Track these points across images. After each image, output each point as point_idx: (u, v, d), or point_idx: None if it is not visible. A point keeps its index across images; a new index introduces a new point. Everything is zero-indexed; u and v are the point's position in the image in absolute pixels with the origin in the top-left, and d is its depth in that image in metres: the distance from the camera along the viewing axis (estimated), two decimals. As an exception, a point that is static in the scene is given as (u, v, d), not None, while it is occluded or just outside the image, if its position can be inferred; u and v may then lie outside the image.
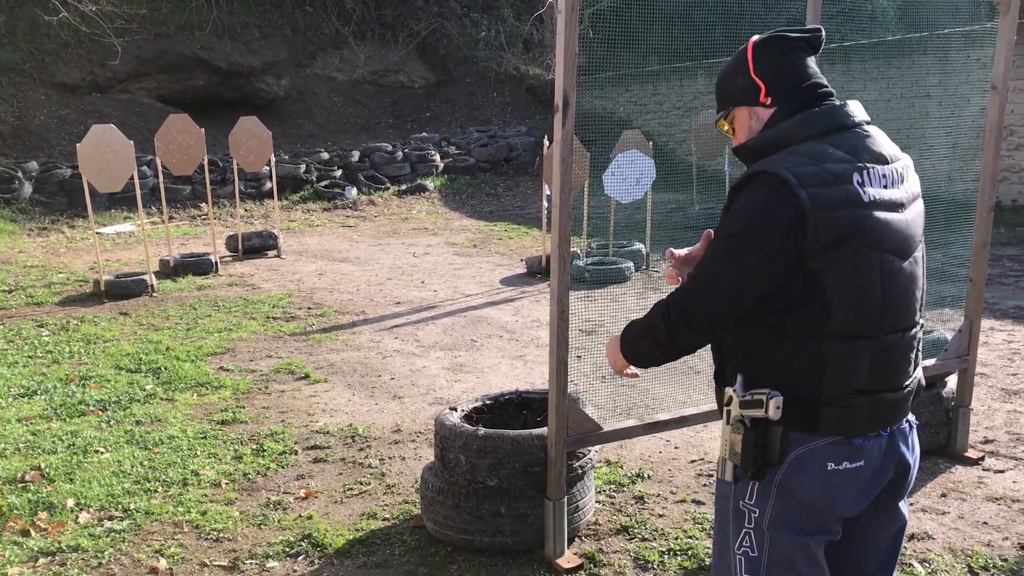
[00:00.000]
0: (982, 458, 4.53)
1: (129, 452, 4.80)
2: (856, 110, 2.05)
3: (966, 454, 4.54)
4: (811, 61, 2.11)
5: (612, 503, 4.14)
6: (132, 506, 4.13)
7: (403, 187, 17.02)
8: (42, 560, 3.65)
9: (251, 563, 3.63)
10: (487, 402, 4.06)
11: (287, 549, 3.73)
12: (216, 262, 10.45)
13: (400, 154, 17.81)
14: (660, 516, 4.00)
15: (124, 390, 5.87)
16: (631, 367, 2.31)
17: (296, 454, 4.81)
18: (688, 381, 5.82)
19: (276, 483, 4.44)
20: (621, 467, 4.56)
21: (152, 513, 4.07)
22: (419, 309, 8.40)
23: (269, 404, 5.65)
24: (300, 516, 4.04)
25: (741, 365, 2.04)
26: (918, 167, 2.16)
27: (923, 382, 2.17)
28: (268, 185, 15.37)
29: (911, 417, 2.11)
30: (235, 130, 11.11)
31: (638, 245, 10.34)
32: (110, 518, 4.03)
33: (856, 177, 1.93)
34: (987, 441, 4.78)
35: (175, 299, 8.93)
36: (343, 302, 8.73)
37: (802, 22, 4.06)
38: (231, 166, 13.73)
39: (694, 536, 3.78)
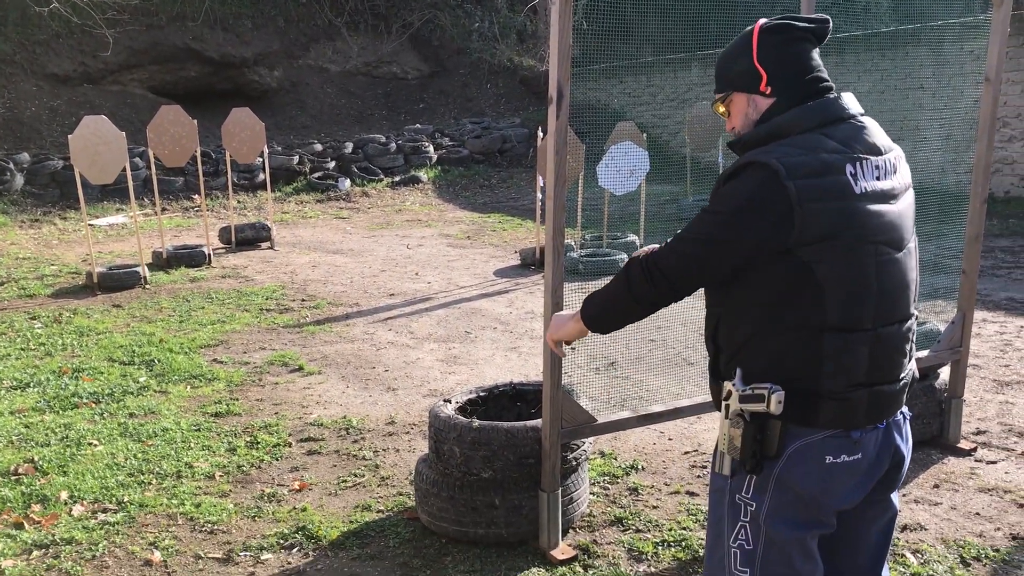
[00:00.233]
0: (974, 449, 4.54)
1: (123, 444, 4.79)
2: (850, 102, 2.04)
3: (958, 445, 4.56)
4: (815, 53, 2.09)
5: (606, 495, 4.15)
6: (126, 498, 4.13)
7: (397, 179, 16.99)
8: (36, 553, 3.65)
9: (245, 555, 3.63)
10: (481, 394, 4.06)
11: (281, 541, 3.74)
12: (209, 254, 10.42)
13: (394, 145, 17.76)
14: (654, 507, 4.01)
15: (117, 382, 5.86)
16: (564, 345, 2.41)
17: (290, 446, 4.81)
18: (682, 373, 5.83)
19: (270, 475, 4.44)
20: (615, 459, 4.57)
21: (146, 505, 4.07)
22: (413, 301, 8.39)
23: (263, 396, 5.65)
24: (294, 508, 4.04)
25: (738, 358, 2.04)
26: (911, 159, 2.16)
27: (917, 374, 2.18)
28: (261, 177, 15.31)
29: (905, 408, 2.12)
30: (228, 121, 11.07)
31: (632, 237, 10.35)
32: (104, 510, 4.03)
33: (849, 168, 1.94)
34: (979, 432, 4.80)
35: (168, 291, 8.91)
36: (337, 294, 8.72)
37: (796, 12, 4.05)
38: (224, 158, 13.68)
39: (688, 527, 3.79)
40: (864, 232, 1.93)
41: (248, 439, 4.89)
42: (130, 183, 9.66)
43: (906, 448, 2.11)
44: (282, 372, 6.16)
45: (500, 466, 3.49)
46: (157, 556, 3.61)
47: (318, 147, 17.42)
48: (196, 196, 14.85)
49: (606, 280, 2.39)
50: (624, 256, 9.44)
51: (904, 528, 3.73)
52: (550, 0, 3.15)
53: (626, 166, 9.20)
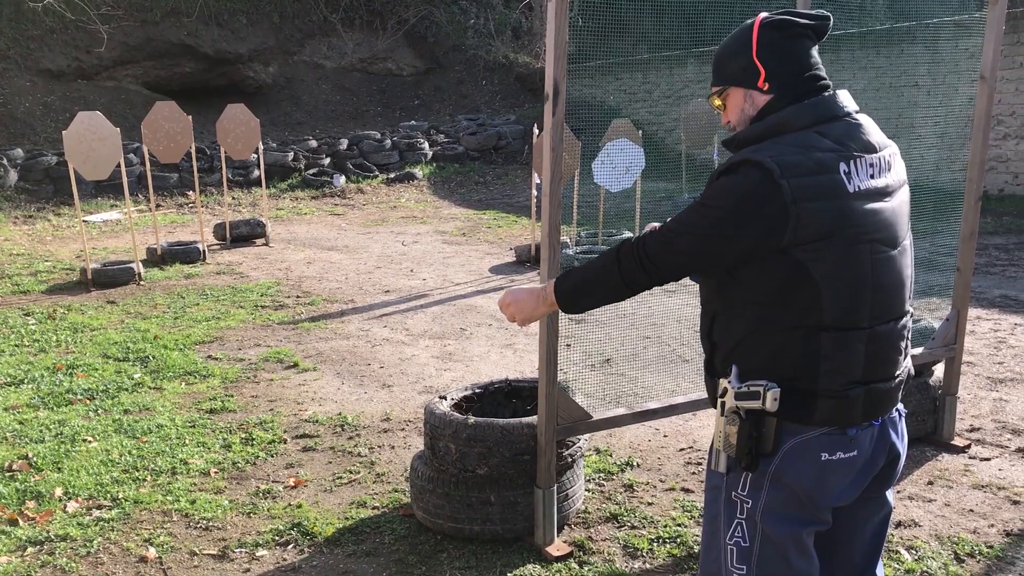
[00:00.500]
0: (968, 446, 4.56)
1: (117, 441, 4.78)
2: (846, 100, 2.04)
3: (953, 442, 4.58)
4: (814, 50, 2.07)
5: (601, 491, 4.15)
6: (121, 495, 4.12)
7: (392, 175, 16.97)
8: (30, 549, 3.64)
9: (240, 551, 3.62)
10: (477, 391, 4.06)
11: (277, 538, 3.73)
12: (204, 250, 10.40)
13: (389, 142, 17.75)
14: (649, 504, 4.01)
15: (112, 379, 5.85)
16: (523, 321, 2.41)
17: (285, 443, 4.81)
18: (677, 370, 5.83)
19: (265, 472, 4.43)
20: (610, 455, 4.58)
21: (141, 502, 4.06)
22: (408, 298, 8.39)
23: (258, 393, 5.64)
24: (289, 505, 4.04)
25: (734, 356, 2.04)
26: (906, 157, 2.16)
27: (912, 371, 2.18)
28: (256, 173, 15.29)
29: (900, 406, 2.12)
30: (222, 118, 11.04)
31: (627, 234, 10.34)
32: (99, 507, 4.02)
33: (843, 166, 1.93)
34: (973, 429, 4.82)
35: (163, 287, 8.89)
36: (332, 290, 8.71)
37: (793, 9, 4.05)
38: (218, 154, 13.64)
39: (683, 524, 3.80)
40: (859, 230, 1.92)
41: (243, 436, 4.89)
42: (124, 179, 9.64)
43: (901, 445, 2.12)
44: (277, 369, 6.15)
45: (496, 463, 3.49)
46: (152, 553, 3.61)
47: (313, 143, 17.39)
48: (191, 192, 14.82)
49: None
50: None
51: (898, 525, 3.75)
52: (546, -3, 3.15)
53: (622, 163, 9.20)
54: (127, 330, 7.15)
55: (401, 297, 8.41)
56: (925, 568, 3.41)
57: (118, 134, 9.13)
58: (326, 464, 4.53)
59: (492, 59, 22.73)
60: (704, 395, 3.73)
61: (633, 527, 3.79)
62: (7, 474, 4.36)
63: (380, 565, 3.49)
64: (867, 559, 2.23)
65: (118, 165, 9.20)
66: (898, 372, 2.06)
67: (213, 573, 3.48)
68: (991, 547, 3.56)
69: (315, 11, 21.98)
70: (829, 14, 2.07)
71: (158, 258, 10.10)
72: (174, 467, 4.45)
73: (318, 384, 5.81)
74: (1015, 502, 3.95)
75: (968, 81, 11.64)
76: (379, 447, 4.75)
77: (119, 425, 5.02)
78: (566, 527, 3.78)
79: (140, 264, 9.33)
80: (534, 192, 9.69)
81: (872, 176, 1.97)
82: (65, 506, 4.01)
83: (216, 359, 6.37)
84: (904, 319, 2.06)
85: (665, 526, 3.78)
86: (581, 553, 3.56)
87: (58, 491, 4.15)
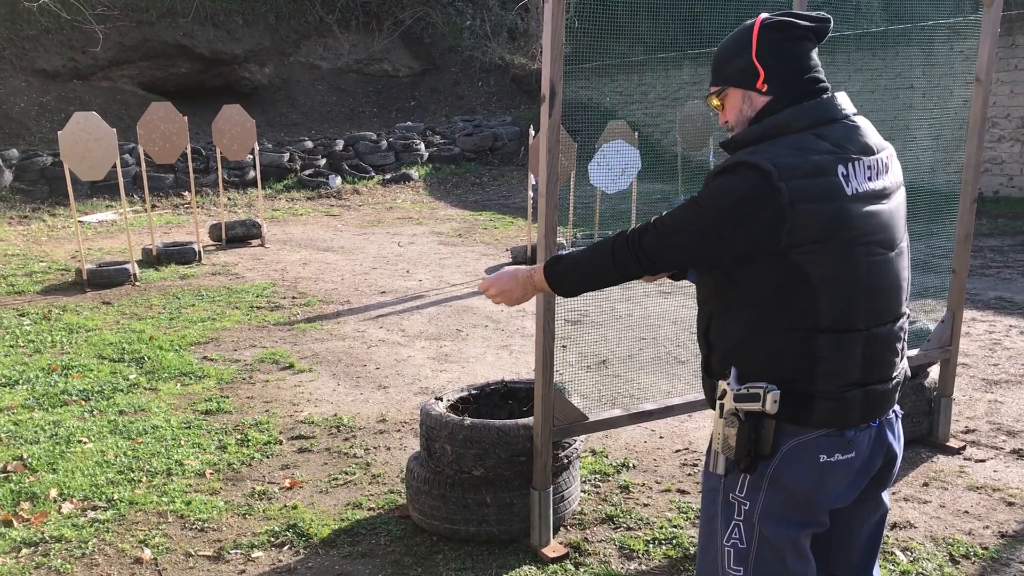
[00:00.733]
0: (963, 448, 4.57)
1: (112, 442, 4.77)
2: (844, 102, 2.04)
3: (948, 444, 4.58)
4: (814, 52, 2.07)
5: (597, 493, 4.16)
6: (116, 496, 4.11)
7: (388, 176, 16.97)
8: (25, 551, 3.63)
9: (236, 553, 3.62)
10: (473, 392, 4.06)
11: (272, 539, 3.73)
12: (199, 251, 10.39)
13: (385, 143, 17.74)
14: (645, 505, 4.01)
15: (107, 380, 5.84)
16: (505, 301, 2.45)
17: (281, 444, 4.80)
18: (673, 371, 5.84)
19: (261, 473, 4.43)
20: (606, 457, 4.58)
21: (136, 503, 4.05)
22: (404, 299, 8.38)
23: (253, 394, 5.63)
24: (285, 506, 4.03)
25: (731, 357, 2.04)
26: (901, 159, 2.16)
27: (908, 373, 2.19)
28: (252, 174, 15.29)
29: (896, 407, 2.12)
30: (218, 118, 11.03)
31: (623, 235, 10.34)
32: (94, 508, 4.01)
33: (841, 169, 1.93)
34: (968, 431, 4.83)
35: (158, 288, 8.88)
36: (328, 291, 8.70)
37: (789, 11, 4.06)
38: (214, 155, 13.62)
39: (679, 525, 3.80)
40: (856, 233, 1.92)
41: (239, 437, 4.88)
42: (120, 180, 9.63)
43: (898, 446, 2.12)
44: (273, 370, 6.14)
45: (491, 464, 3.49)
46: (147, 554, 3.60)
47: (309, 144, 17.38)
48: (186, 193, 14.81)
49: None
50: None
51: (894, 526, 3.75)
52: (543, -2, 3.15)
53: (617, 164, 9.21)
54: (122, 331, 7.14)
55: (397, 298, 8.41)
56: (920, 569, 3.41)
57: (114, 134, 9.12)
58: (322, 465, 4.52)
59: (488, 60, 22.74)
60: (700, 396, 3.73)
61: (629, 528, 3.79)
62: (2, 475, 4.34)
63: (376, 567, 3.49)
64: (863, 560, 2.23)
65: (114, 166, 9.19)
66: (895, 374, 2.06)
67: (208, 574, 3.47)
68: (986, 548, 3.57)
69: (311, 12, 21.97)
70: (830, 16, 2.05)
71: (154, 259, 10.09)
72: (169, 468, 4.45)
73: (314, 385, 5.81)
74: (1010, 504, 3.95)
75: (963, 83, 11.66)
76: (375, 448, 4.74)
77: (114, 426, 5.01)
78: (562, 528, 3.78)
79: (135, 265, 9.32)
80: (530, 193, 9.69)
81: (870, 178, 1.97)
82: (60, 507, 4.01)
83: (212, 360, 6.36)
84: (901, 321, 2.06)
85: (661, 527, 3.78)
86: (577, 554, 3.56)
87: (53, 492, 4.14)
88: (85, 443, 4.76)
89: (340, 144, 17.53)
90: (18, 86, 17.49)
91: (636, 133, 10.20)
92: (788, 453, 1.98)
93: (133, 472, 4.39)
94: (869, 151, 1.99)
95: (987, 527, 3.75)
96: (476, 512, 3.55)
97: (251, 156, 13.52)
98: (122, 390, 5.66)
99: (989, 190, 13.27)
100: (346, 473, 4.41)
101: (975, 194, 4.45)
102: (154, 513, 3.97)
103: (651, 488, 4.21)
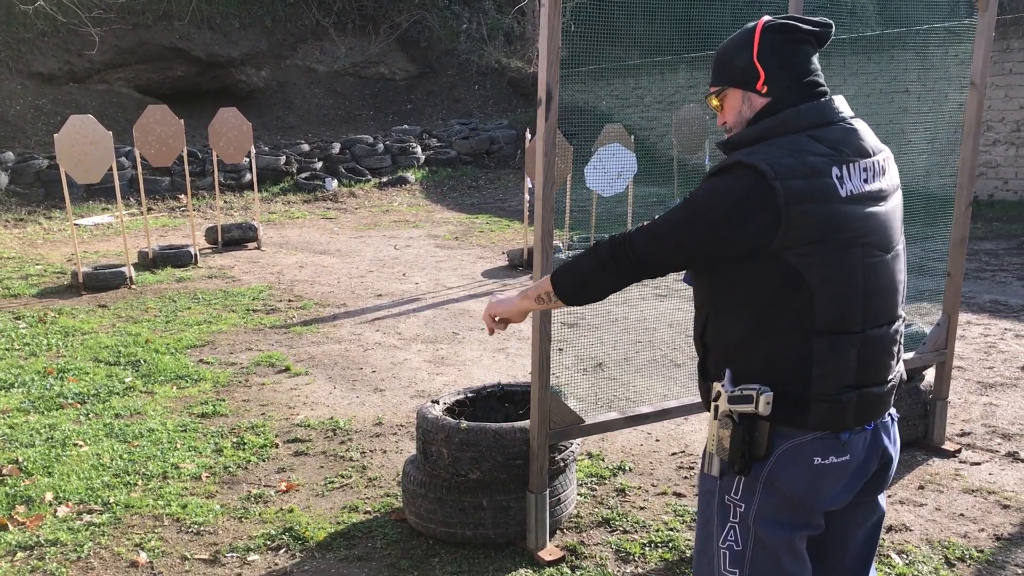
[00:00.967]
0: (959, 450, 4.58)
1: (108, 445, 4.77)
2: (841, 105, 2.04)
3: (943, 446, 4.59)
4: (815, 57, 2.07)
5: (594, 496, 4.16)
6: (112, 499, 4.10)
7: (384, 179, 16.97)
8: (20, 554, 3.62)
9: (232, 556, 3.61)
10: (469, 395, 4.06)
11: (268, 542, 3.72)
12: (195, 254, 10.38)
13: (381, 146, 17.74)
14: (641, 508, 4.02)
15: (103, 383, 5.83)
16: (503, 324, 2.47)
17: (277, 447, 4.80)
18: (669, 374, 5.84)
19: (257, 476, 4.42)
20: (603, 460, 4.58)
21: (132, 506, 4.04)
22: (400, 302, 8.38)
23: (249, 397, 5.63)
24: (281, 509, 4.03)
25: (727, 359, 2.05)
26: (896, 162, 2.17)
27: (904, 375, 2.19)
28: (248, 177, 15.27)
29: (892, 410, 2.13)
30: (215, 121, 11.03)
31: (619, 238, 10.34)
32: (89, 511, 4.01)
33: (835, 171, 1.93)
34: (964, 434, 4.84)
35: (154, 291, 8.87)
36: (324, 294, 8.70)
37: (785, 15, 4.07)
38: (211, 157, 13.62)
39: (675, 528, 3.80)
40: (851, 235, 1.93)
41: (235, 440, 4.88)
42: (116, 182, 9.62)
43: (894, 449, 2.12)
44: (269, 373, 6.14)
45: (488, 467, 3.49)
46: (143, 557, 3.59)
47: (305, 147, 17.38)
48: (182, 196, 14.79)
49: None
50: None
51: (890, 529, 3.76)
52: (539, 2, 3.15)
53: (614, 168, 9.21)
54: (118, 334, 7.13)
55: (393, 301, 8.40)
56: (916, 572, 3.42)
57: (110, 137, 9.11)
58: (318, 468, 4.52)
59: (485, 64, 22.75)
60: (696, 399, 3.75)
61: (625, 531, 3.79)
62: (-3, 478, 4.34)
63: (372, 570, 3.49)
64: (859, 563, 2.24)
65: (110, 168, 9.18)
66: (891, 376, 2.07)
67: (204, 578, 3.47)
68: (981, 551, 3.57)
69: (307, 15, 21.97)
70: (831, 22, 2.06)
71: (149, 262, 10.08)
72: (165, 471, 4.44)
73: (310, 388, 5.80)
74: (1005, 506, 3.96)
75: (958, 87, 11.70)
76: (371, 451, 4.74)
77: (110, 429, 5.00)
78: (558, 532, 3.78)
79: (131, 268, 9.30)
80: (527, 196, 9.70)
81: (866, 180, 1.98)
82: (55, 511, 4.00)
83: (208, 363, 6.35)
84: (897, 323, 2.06)
85: (657, 530, 3.78)
86: (573, 558, 3.56)
87: (48, 496, 4.13)
88: (81, 446, 4.76)
89: (336, 147, 17.53)
90: (14, 89, 17.47)
91: (632, 136, 10.21)
92: (783, 455, 1.98)
93: (129, 475, 4.39)
94: (865, 153, 2.00)
95: (983, 530, 3.76)
96: (472, 515, 3.55)
97: (247, 159, 13.53)
98: (118, 393, 5.65)
99: (984, 194, 13.30)
100: (342, 476, 4.41)
101: (970, 197, 4.46)
102: (150, 516, 3.96)
103: (647, 491, 4.21)
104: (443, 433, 3.53)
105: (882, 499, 2.21)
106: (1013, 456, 4.52)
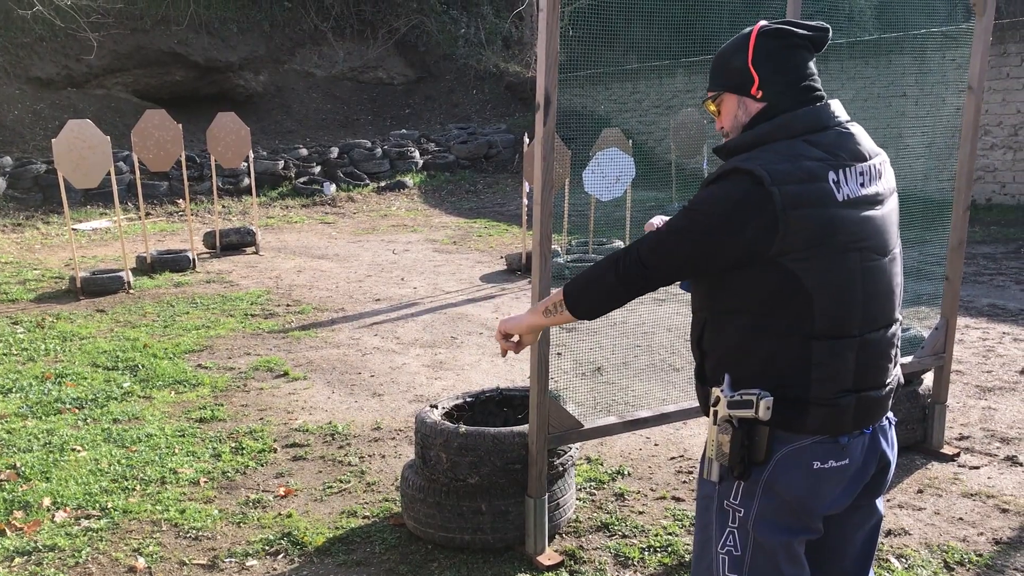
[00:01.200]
0: (958, 454, 4.57)
1: (106, 450, 4.76)
2: (837, 109, 2.05)
3: (942, 450, 4.59)
4: (811, 61, 2.07)
5: (592, 500, 4.15)
6: (110, 505, 4.10)
7: (382, 184, 16.98)
8: (18, 560, 3.61)
9: (230, 561, 3.61)
10: (468, 400, 4.05)
11: (267, 547, 3.72)
12: (194, 259, 10.38)
13: (379, 151, 17.75)
14: (640, 513, 4.01)
15: (101, 388, 5.82)
16: (516, 345, 2.46)
17: (275, 452, 4.79)
18: (667, 378, 5.84)
19: (255, 481, 4.42)
20: (601, 464, 4.58)
21: (130, 512, 4.04)
22: (399, 306, 8.38)
23: (248, 402, 5.62)
24: (280, 514, 4.02)
25: (725, 364, 2.05)
26: (894, 166, 2.17)
27: (901, 379, 2.19)
28: (246, 181, 15.28)
29: (890, 414, 2.13)
30: (213, 126, 11.03)
31: (617, 243, 10.37)
32: (87, 517, 4.00)
33: (832, 175, 1.94)
34: (962, 437, 4.84)
35: (152, 296, 8.86)
36: (322, 299, 8.70)
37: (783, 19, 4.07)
38: (209, 162, 13.63)
39: (674, 533, 3.80)
40: (849, 239, 1.93)
41: (233, 445, 4.87)
42: (114, 187, 9.62)
43: (892, 453, 2.13)
44: (267, 377, 6.13)
45: (487, 472, 3.49)
46: (141, 563, 3.59)
47: (303, 152, 17.39)
48: (181, 201, 14.79)
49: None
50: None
51: (889, 533, 3.76)
52: (537, 7, 3.16)
53: (612, 172, 9.22)
54: (116, 339, 7.12)
55: (391, 306, 8.40)
56: (915, 576, 3.42)
57: (108, 142, 9.11)
58: (316, 473, 4.51)
59: (483, 68, 22.78)
60: (694, 404, 3.75)
61: (624, 536, 3.79)
62: (-5, 484, 4.33)
63: (371, 575, 3.48)
64: (858, 567, 2.23)
65: (108, 173, 9.18)
66: (888, 380, 2.07)
67: (203, 583, 3.46)
68: (980, 555, 3.57)
69: (305, 20, 21.99)
70: (828, 26, 2.06)
71: (148, 267, 10.07)
72: (163, 476, 4.43)
73: (308, 393, 5.80)
74: (1004, 510, 3.96)
75: (955, 91, 11.73)
76: (369, 456, 4.74)
77: (108, 434, 5.00)
78: (557, 536, 3.78)
79: (129, 272, 9.30)
80: (525, 201, 9.71)
81: (862, 184, 1.98)
82: (53, 516, 3.99)
83: (206, 368, 6.34)
84: (894, 327, 2.07)
85: (656, 535, 3.78)
86: (572, 562, 3.56)
87: (46, 501, 4.12)
88: (79, 451, 4.75)
89: (335, 152, 17.54)
90: (12, 94, 17.47)
91: (630, 141, 10.22)
92: (782, 460, 1.98)
93: (127, 480, 4.38)
94: (861, 157, 2.00)
95: (981, 534, 3.76)
96: (471, 520, 3.55)
97: (246, 164, 13.53)
98: (116, 398, 5.65)
99: (982, 197, 13.32)
100: (341, 481, 4.40)
101: (968, 201, 4.47)
102: (148, 522, 3.96)
103: (646, 496, 4.20)
104: (442, 438, 3.52)
105: (880, 503, 2.21)
106: (1012, 460, 4.52)
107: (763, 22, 2.07)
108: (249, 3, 21.42)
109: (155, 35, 19.64)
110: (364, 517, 3.99)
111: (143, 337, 7.17)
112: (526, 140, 9.63)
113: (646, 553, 3.63)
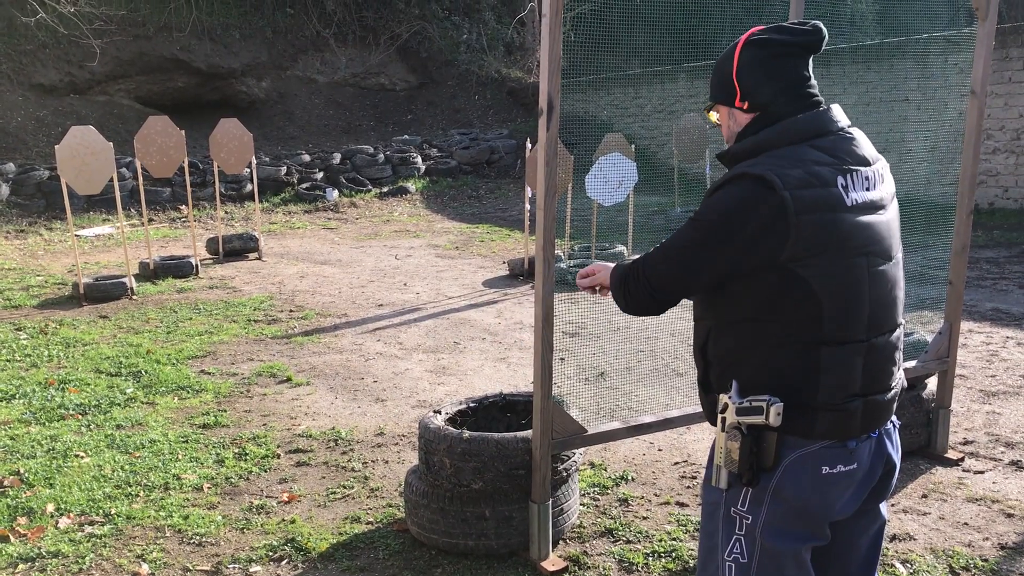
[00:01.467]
0: (962, 459, 4.56)
1: (110, 456, 4.76)
2: (838, 114, 2.04)
3: (946, 455, 4.58)
4: (804, 66, 2.05)
5: (596, 506, 4.15)
6: (113, 511, 4.09)
7: (385, 189, 16.99)
8: (21, 566, 3.61)
9: (234, 567, 3.60)
10: (471, 405, 4.05)
11: (270, 553, 3.71)
12: (196, 265, 10.38)
13: (382, 156, 17.77)
14: (644, 518, 4.00)
15: (104, 394, 5.82)
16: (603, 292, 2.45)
17: (279, 458, 4.79)
18: (671, 383, 5.84)
19: (259, 487, 4.41)
20: (605, 469, 4.57)
21: (133, 518, 4.04)
22: (401, 311, 8.38)
23: (251, 407, 5.62)
24: (283, 520, 4.02)
25: (732, 371, 2.04)
26: (897, 171, 2.17)
27: (905, 383, 2.19)
28: (249, 187, 15.29)
29: (894, 417, 2.13)
30: (215, 132, 11.05)
31: (620, 247, 10.37)
32: (91, 523, 4.00)
33: (840, 180, 1.93)
34: (967, 442, 4.83)
35: (155, 302, 8.87)
36: (325, 304, 8.70)
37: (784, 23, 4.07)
38: (211, 168, 13.64)
39: (678, 538, 3.79)
40: (856, 243, 1.93)
41: (236, 451, 4.87)
42: (117, 193, 9.63)
43: (896, 457, 2.12)
44: (270, 383, 6.13)
45: (490, 477, 3.48)
46: (145, 569, 3.58)
47: (306, 158, 17.40)
48: (183, 207, 14.81)
49: (594, 293, 2.43)
50: (610, 266, 9.46)
51: (893, 538, 3.75)
52: (540, 13, 3.16)
53: (614, 177, 9.22)
54: (119, 345, 7.13)
55: (394, 311, 8.40)
56: (920, 582, 3.41)
57: (111, 148, 9.12)
58: (320, 479, 4.51)
59: (485, 74, 22.80)
60: (698, 408, 3.73)
61: (628, 542, 3.78)
62: (-2, 490, 4.33)
63: (374, 581, 3.48)
64: (863, 572, 2.23)
65: (111, 179, 9.20)
66: (893, 384, 2.07)
67: (206, 589, 3.46)
68: (986, 560, 3.56)
69: (308, 26, 22.03)
70: (820, 27, 2.03)
71: (150, 272, 10.08)
72: (167, 482, 4.43)
73: (311, 399, 5.80)
74: (1009, 515, 3.95)
75: (958, 96, 11.72)
76: (373, 462, 4.73)
77: (111, 440, 5.00)
78: (561, 542, 3.77)
79: (132, 278, 9.30)
80: (527, 206, 9.70)
81: (867, 189, 1.98)
82: (57, 522, 3.99)
83: (209, 374, 6.34)
84: (897, 331, 2.07)
85: (660, 540, 3.77)
86: (576, 568, 3.55)
87: (50, 507, 4.12)
88: (82, 457, 4.75)
89: (337, 158, 17.56)
90: (15, 100, 17.51)
91: (633, 146, 10.23)
92: (791, 465, 1.98)
93: (130, 486, 4.38)
94: (865, 162, 2.00)
95: (987, 539, 3.75)
96: (475, 526, 3.54)
97: (248, 170, 13.54)
98: (119, 404, 5.65)
99: (984, 202, 13.30)
100: (344, 487, 4.40)
101: (971, 206, 4.46)
102: (151, 528, 3.96)
103: (650, 501, 4.20)
104: (445, 443, 3.52)
105: (884, 508, 2.21)
106: (1016, 465, 4.51)
107: (754, 29, 2.06)
108: (251, 9, 21.46)
109: (158, 42, 19.68)
110: (368, 523, 3.99)
111: (146, 343, 7.18)
112: (528, 145, 9.64)
113: (650, 559, 3.62)
